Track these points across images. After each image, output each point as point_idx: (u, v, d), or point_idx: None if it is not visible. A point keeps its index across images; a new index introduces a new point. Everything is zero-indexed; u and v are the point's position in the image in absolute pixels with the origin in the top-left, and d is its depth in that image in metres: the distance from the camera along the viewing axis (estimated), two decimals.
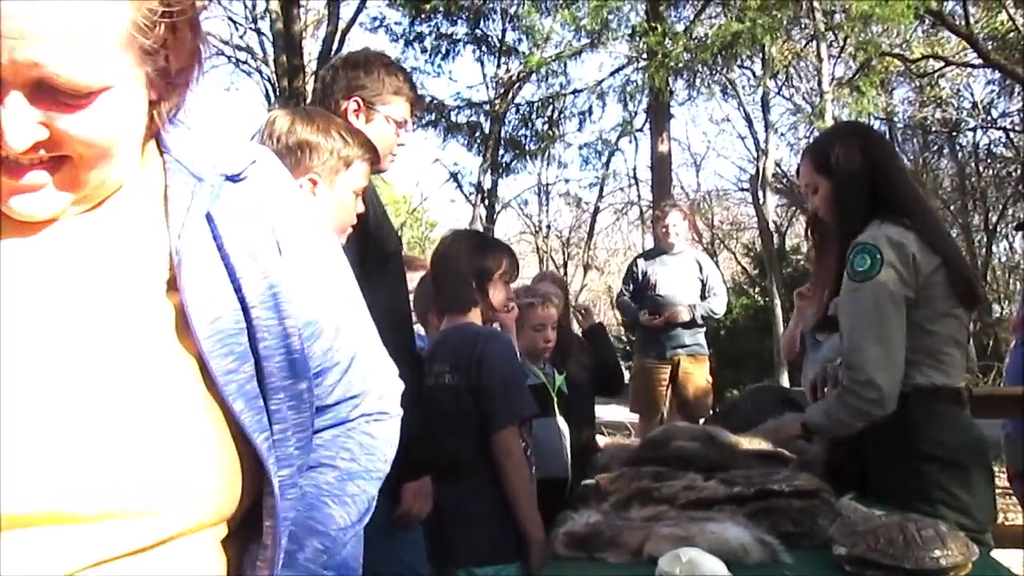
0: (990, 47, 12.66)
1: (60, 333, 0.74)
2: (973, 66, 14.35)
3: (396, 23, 14.07)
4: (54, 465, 0.70)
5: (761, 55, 12.87)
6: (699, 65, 11.72)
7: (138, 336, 0.76)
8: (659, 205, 6.53)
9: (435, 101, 14.37)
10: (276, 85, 12.72)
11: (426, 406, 2.17)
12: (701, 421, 4.32)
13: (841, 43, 12.48)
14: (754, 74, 15.10)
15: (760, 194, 14.36)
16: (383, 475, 0.98)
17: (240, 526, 0.84)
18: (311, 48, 13.70)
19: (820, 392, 2.43)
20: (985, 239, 17.06)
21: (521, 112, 15.74)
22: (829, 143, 2.27)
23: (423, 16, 13.67)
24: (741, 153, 24.31)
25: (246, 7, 14.82)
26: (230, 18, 14.81)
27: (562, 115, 15.75)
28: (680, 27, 11.89)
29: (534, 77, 15.33)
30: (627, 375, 5.67)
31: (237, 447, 0.79)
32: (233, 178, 0.85)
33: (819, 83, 11.98)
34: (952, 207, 17.07)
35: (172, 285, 0.79)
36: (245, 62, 16.05)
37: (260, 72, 15.60)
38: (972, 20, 12.35)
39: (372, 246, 2.05)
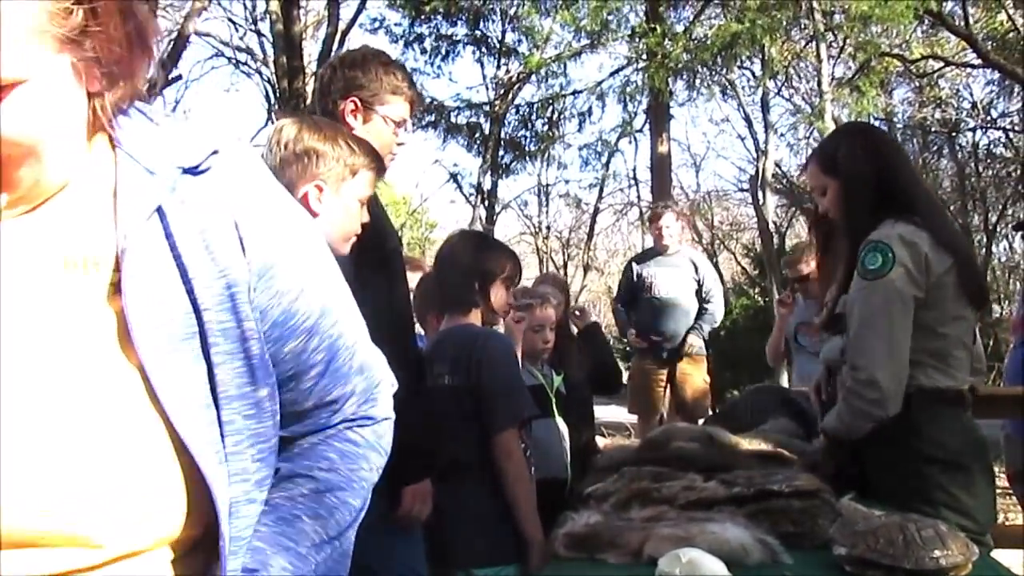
0: (989, 47, 12.67)
1: None
2: (972, 66, 14.37)
3: (396, 24, 14.11)
4: None
5: (761, 56, 12.88)
6: (699, 66, 11.75)
7: (76, 347, 0.71)
8: (653, 207, 6.53)
9: (435, 102, 14.38)
10: (276, 86, 12.73)
11: (426, 407, 2.16)
12: (700, 421, 4.34)
13: (841, 43, 12.49)
14: (754, 75, 15.12)
15: (760, 195, 14.37)
16: (368, 485, 0.91)
17: (201, 546, 0.79)
18: (311, 49, 13.73)
19: (824, 392, 2.43)
20: (985, 239, 17.06)
21: (521, 113, 15.77)
22: (835, 144, 2.27)
23: (423, 17, 13.68)
24: (741, 154, 24.35)
25: (246, 8, 14.86)
26: (230, 19, 14.85)
27: (562, 116, 15.79)
28: (680, 28, 11.91)
29: (534, 78, 15.37)
30: (626, 376, 5.68)
31: (185, 463, 0.74)
32: (192, 171, 0.79)
33: (819, 83, 11.99)
34: (952, 207, 17.05)
35: (118, 289, 0.74)
36: (245, 63, 16.10)
37: (260, 73, 15.63)
38: (971, 20, 12.36)
39: (370, 243, 2.05)
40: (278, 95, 12.56)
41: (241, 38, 15.41)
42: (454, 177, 17.03)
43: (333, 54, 10.83)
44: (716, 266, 17.71)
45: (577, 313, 3.87)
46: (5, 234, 0.73)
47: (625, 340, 5.48)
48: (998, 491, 2.41)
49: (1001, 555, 2.11)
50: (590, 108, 15.29)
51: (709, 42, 10.63)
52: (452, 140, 15.23)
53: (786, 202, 18.11)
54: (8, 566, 0.68)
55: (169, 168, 0.78)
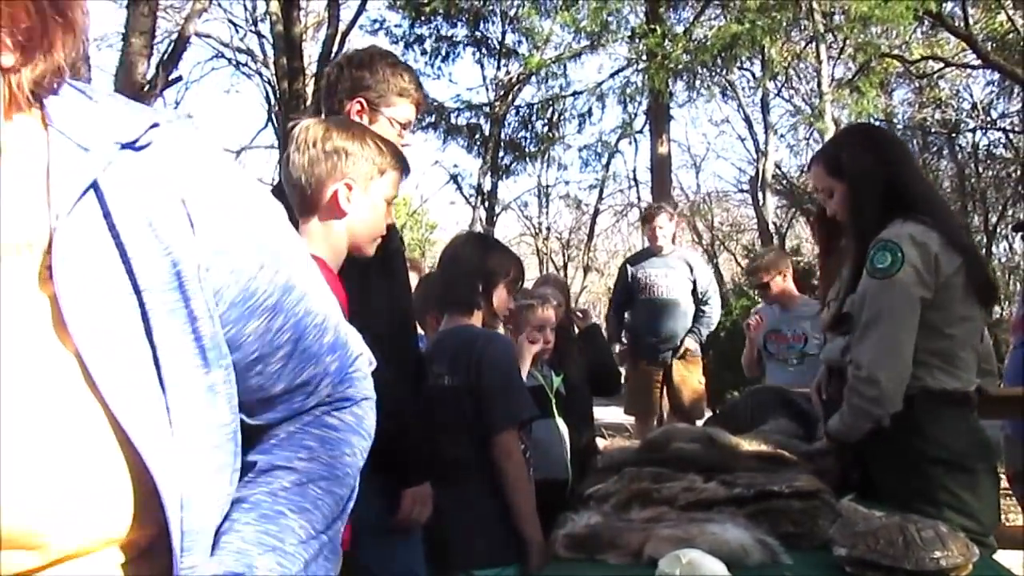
0: (989, 48, 12.68)
1: None
2: (972, 67, 14.38)
3: (396, 25, 14.12)
4: None
5: (761, 57, 12.91)
6: (699, 67, 11.76)
7: (8, 335, 0.67)
8: (646, 208, 6.53)
9: (435, 103, 14.39)
10: (276, 87, 12.77)
11: (426, 409, 2.16)
12: (700, 422, 4.35)
13: (840, 44, 12.51)
14: (754, 75, 15.16)
15: (760, 195, 14.39)
16: (354, 471, 0.86)
17: (158, 548, 0.74)
18: (311, 50, 13.75)
19: (824, 392, 2.43)
20: (985, 240, 17.05)
21: (521, 114, 15.80)
22: (841, 146, 2.27)
23: (423, 18, 13.69)
24: (741, 154, 24.33)
25: (246, 10, 14.91)
26: (231, 21, 14.88)
27: (562, 117, 15.82)
28: (680, 29, 11.93)
29: (534, 79, 15.40)
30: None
31: (129, 455, 0.69)
32: (131, 146, 0.75)
33: (819, 84, 12.01)
34: (952, 208, 17.06)
35: (51, 272, 0.69)
36: (245, 64, 16.14)
37: (260, 74, 15.68)
38: (971, 21, 12.37)
39: None
40: (278, 96, 12.59)
41: (241, 39, 15.46)
42: (454, 178, 17.06)
43: (333, 56, 10.85)
44: (716, 267, 17.76)
45: (579, 314, 3.88)
46: None
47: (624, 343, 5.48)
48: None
49: (1001, 556, 2.11)
50: (590, 109, 15.34)
51: (709, 43, 10.64)
52: (452, 141, 15.25)
53: (786, 203, 18.12)
54: None
55: (105, 144, 0.73)
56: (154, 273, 0.72)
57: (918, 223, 2.05)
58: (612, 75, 14.68)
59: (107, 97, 0.78)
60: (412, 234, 19.40)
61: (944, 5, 11.22)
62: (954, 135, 16.82)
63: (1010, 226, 16.28)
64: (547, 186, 19.70)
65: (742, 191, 20.08)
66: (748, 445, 2.17)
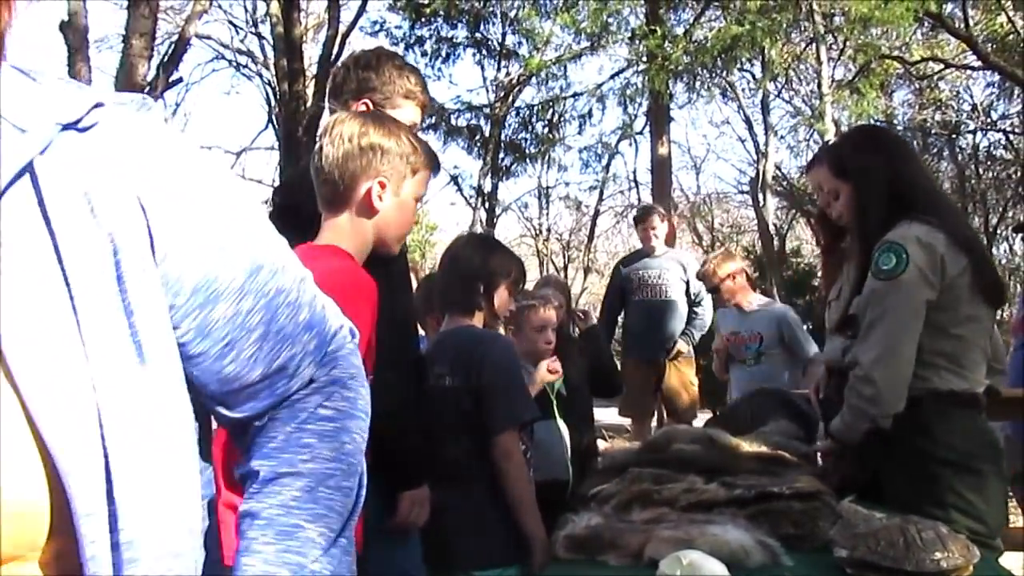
0: (990, 49, 12.69)
1: None
2: (973, 68, 14.38)
3: (396, 27, 14.13)
4: None
5: (761, 58, 12.90)
6: (699, 68, 11.75)
7: None
8: (638, 210, 6.53)
9: (435, 105, 14.39)
10: (276, 89, 12.77)
11: (426, 412, 2.16)
12: (695, 422, 4.37)
13: (841, 46, 12.51)
14: (754, 77, 15.14)
15: (760, 197, 14.38)
16: (358, 456, 0.83)
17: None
18: (311, 52, 13.76)
19: (822, 392, 2.43)
20: (985, 241, 17.05)
21: (521, 115, 15.80)
22: (845, 147, 2.27)
23: (423, 20, 13.70)
24: (741, 156, 24.28)
25: (247, 11, 14.93)
26: (231, 22, 14.90)
27: (562, 118, 15.82)
28: (680, 30, 11.93)
29: (534, 80, 15.40)
30: None
31: (48, 461, 0.64)
32: (74, 127, 0.70)
33: (819, 85, 12.02)
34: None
35: None
36: (246, 66, 16.16)
37: (260, 76, 15.69)
38: (971, 22, 12.37)
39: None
40: (278, 98, 12.60)
41: (242, 41, 15.48)
42: (455, 179, 17.03)
43: (333, 57, 10.86)
44: None
45: (581, 315, 3.88)
46: None
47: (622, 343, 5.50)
48: None
49: (1002, 557, 2.10)
50: (590, 110, 15.35)
51: (709, 44, 10.63)
52: (452, 142, 15.26)
53: (786, 204, 18.12)
54: None
55: (44, 125, 0.69)
56: (88, 262, 0.67)
57: (924, 224, 2.05)
58: (612, 76, 14.71)
59: (53, 79, 0.73)
60: (412, 235, 19.32)
61: (944, 6, 11.22)
62: (954, 136, 16.83)
63: (1010, 227, 16.29)
64: (547, 187, 19.73)
65: (742, 192, 20.10)
66: (749, 446, 2.17)
